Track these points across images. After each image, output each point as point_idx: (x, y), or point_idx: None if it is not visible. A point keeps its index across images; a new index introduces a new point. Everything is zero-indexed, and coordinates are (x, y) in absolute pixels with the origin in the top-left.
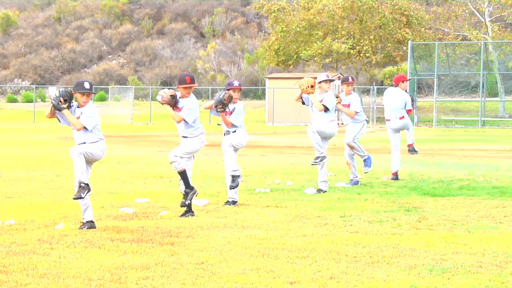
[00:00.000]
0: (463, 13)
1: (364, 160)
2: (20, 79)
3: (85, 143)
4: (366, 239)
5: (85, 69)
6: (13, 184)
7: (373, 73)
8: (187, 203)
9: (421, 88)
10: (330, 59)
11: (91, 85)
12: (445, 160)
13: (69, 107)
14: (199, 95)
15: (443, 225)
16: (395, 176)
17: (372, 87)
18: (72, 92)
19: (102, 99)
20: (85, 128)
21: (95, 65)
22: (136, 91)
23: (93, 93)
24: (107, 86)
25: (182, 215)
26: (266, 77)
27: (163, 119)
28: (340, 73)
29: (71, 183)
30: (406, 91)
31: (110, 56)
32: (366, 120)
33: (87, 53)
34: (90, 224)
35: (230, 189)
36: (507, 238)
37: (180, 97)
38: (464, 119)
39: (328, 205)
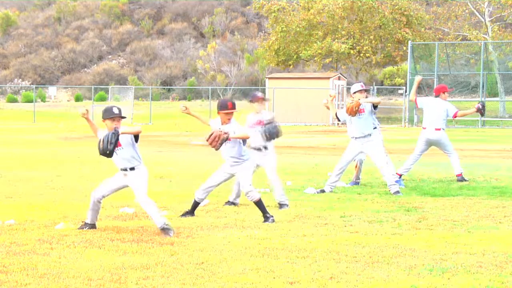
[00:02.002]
0: (463, 13)
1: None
2: (20, 79)
3: (125, 169)
4: (366, 239)
5: (85, 69)
6: (13, 184)
7: (373, 73)
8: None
9: (421, 88)
10: (330, 59)
11: (119, 109)
12: (445, 160)
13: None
14: (199, 95)
15: (443, 225)
16: (399, 177)
17: (372, 87)
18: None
19: (102, 99)
20: (133, 145)
21: (95, 65)
22: (136, 91)
23: (123, 117)
24: (107, 86)
25: (182, 215)
26: (266, 77)
27: (163, 119)
28: (340, 73)
29: (71, 183)
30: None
31: (110, 56)
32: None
33: (87, 53)
34: (91, 226)
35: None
36: (507, 238)
37: (221, 124)
38: (464, 119)
39: (328, 205)
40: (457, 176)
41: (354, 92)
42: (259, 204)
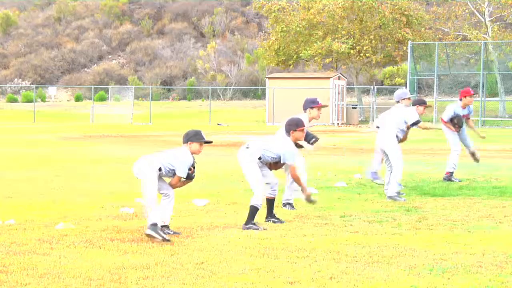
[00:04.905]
0: (463, 13)
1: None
2: (20, 79)
3: None
4: (366, 239)
5: (85, 69)
6: (13, 184)
7: (373, 73)
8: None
9: (421, 88)
10: (330, 59)
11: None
12: (445, 160)
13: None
14: (199, 95)
15: (443, 225)
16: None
17: (372, 87)
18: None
19: (102, 99)
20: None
21: (95, 65)
22: (136, 91)
23: (210, 142)
24: (107, 86)
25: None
26: (266, 77)
27: (163, 119)
28: (340, 73)
29: (71, 183)
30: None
31: (110, 56)
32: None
33: (87, 53)
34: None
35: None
36: (507, 238)
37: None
38: None
39: (328, 205)
40: (446, 174)
41: (398, 101)
42: (271, 203)
